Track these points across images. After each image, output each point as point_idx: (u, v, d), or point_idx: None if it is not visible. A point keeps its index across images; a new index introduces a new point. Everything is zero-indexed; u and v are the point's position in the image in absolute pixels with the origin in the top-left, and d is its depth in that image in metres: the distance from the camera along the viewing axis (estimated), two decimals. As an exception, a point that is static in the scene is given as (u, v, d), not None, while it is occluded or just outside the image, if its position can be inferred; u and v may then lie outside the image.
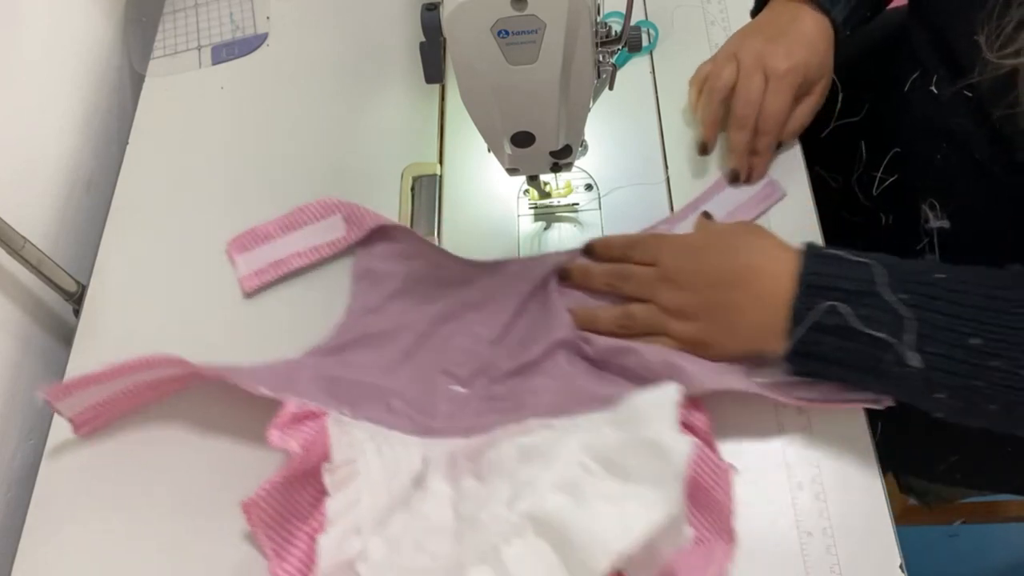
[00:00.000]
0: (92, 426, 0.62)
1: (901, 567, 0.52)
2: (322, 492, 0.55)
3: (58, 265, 0.68)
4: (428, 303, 0.65)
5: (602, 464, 0.49)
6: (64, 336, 0.69)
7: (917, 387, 0.50)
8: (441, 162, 0.74)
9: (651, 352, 0.58)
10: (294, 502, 0.55)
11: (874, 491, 0.55)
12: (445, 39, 0.50)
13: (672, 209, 0.68)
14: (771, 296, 0.54)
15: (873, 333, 0.50)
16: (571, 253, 0.65)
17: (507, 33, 0.48)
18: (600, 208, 0.69)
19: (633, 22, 0.54)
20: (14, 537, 0.60)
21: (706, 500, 0.54)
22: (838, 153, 0.77)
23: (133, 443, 0.61)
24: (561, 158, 0.61)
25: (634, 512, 0.45)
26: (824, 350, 0.52)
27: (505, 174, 0.64)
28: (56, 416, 0.63)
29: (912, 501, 1.03)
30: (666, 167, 0.70)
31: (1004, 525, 1.23)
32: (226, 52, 0.83)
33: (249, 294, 0.67)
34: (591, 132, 0.71)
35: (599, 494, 0.47)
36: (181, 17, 0.86)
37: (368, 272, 0.67)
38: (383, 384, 0.62)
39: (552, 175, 0.68)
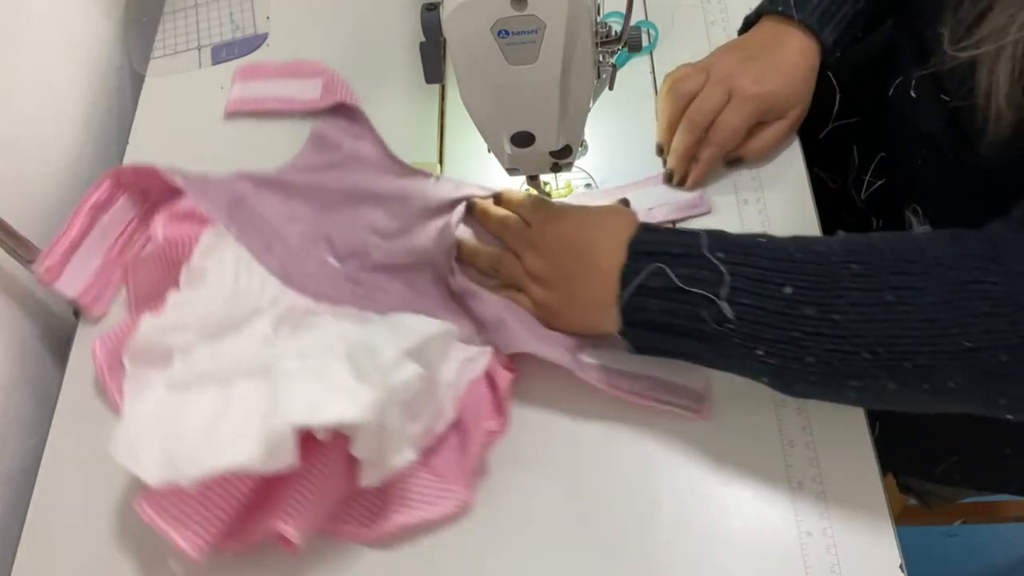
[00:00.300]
0: (101, 304, 0.67)
1: (901, 567, 0.52)
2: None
3: (58, 265, 0.68)
4: (350, 181, 0.70)
5: (346, 352, 0.52)
6: (64, 336, 0.69)
7: (738, 346, 0.50)
8: (441, 162, 0.74)
9: (491, 304, 0.61)
10: (163, 287, 0.63)
11: (874, 491, 0.55)
12: (445, 39, 0.50)
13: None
14: (606, 268, 0.55)
15: (693, 290, 0.51)
16: (489, 192, 0.68)
17: (507, 33, 0.48)
18: (600, 208, 0.69)
19: (633, 22, 0.54)
20: (14, 537, 0.60)
21: (460, 446, 0.58)
22: (835, 155, 0.77)
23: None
24: (561, 158, 0.61)
25: (331, 400, 0.49)
26: (651, 315, 0.53)
27: (505, 174, 0.64)
28: (56, 416, 0.63)
29: (912, 501, 1.03)
30: (666, 167, 0.70)
31: (1004, 525, 1.23)
32: (226, 52, 0.83)
33: (228, 116, 0.77)
34: (591, 132, 0.71)
35: (320, 373, 0.51)
36: (181, 17, 0.86)
37: (321, 137, 0.73)
38: (277, 228, 0.67)
39: (552, 175, 0.68)
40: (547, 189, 0.69)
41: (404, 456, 0.53)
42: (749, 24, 0.71)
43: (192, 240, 0.63)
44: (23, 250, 0.65)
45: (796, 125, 0.68)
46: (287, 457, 0.49)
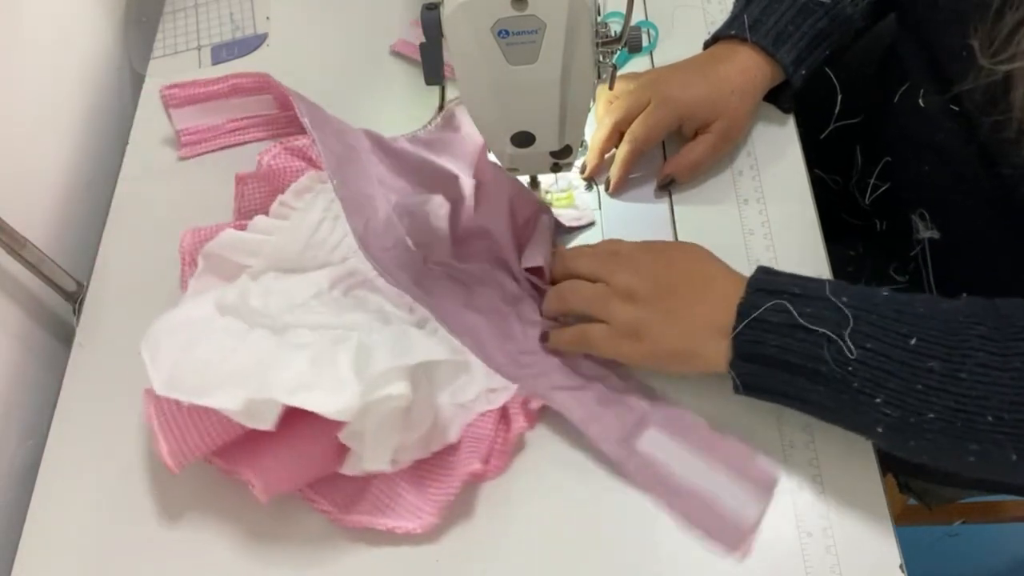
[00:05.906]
0: (192, 150, 0.74)
1: (901, 567, 0.52)
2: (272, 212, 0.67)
3: (58, 265, 0.68)
4: (448, 167, 0.68)
5: (356, 345, 0.54)
6: (64, 336, 0.69)
7: (856, 392, 0.49)
8: (441, 162, 0.73)
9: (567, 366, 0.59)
10: (259, 209, 0.68)
11: (874, 491, 0.55)
12: (445, 39, 0.50)
13: (672, 209, 0.68)
14: (723, 296, 0.54)
15: (816, 328, 0.49)
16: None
17: (507, 33, 0.48)
18: (600, 208, 0.69)
19: (633, 22, 0.54)
20: (14, 537, 0.60)
21: (447, 471, 0.57)
22: (837, 156, 0.77)
23: (132, 443, 0.62)
24: (561, 158, 0.61)
25: (316, 387, 0.51)
26: (767, 349, 0.51)
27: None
28: (56, 416, 0.63)
29: (912, 501, 1.03)
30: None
31: (1004, 525, 1.23)
32: (226, 52, 0.83)
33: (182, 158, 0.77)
34: (591, 132, 0.71)
35: (321, 356, 0.53)
36: (181, 17, 0.86)
37: (449, 117, 0.72)
38: (375, 191, 0.67)
39: (552, 175, 0.68)
40: (548, 198, 0.68)
41: (380, 464, 0.54)
42: (706, 47, 0.70)
43: (293, 176, 0.67)
44: (23, 250, 0.65)
45: (726, 141, 0.66)
46: (266, 421, 0.51)
